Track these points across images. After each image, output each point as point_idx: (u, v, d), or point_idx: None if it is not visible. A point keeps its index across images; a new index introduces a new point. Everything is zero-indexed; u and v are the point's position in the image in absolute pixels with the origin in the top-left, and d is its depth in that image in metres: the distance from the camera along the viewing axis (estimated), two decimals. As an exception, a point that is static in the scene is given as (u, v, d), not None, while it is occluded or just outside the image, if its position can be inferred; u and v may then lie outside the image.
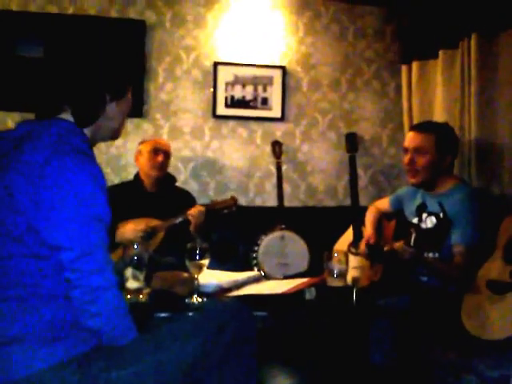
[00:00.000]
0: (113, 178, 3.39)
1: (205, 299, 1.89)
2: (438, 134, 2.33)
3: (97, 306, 1.29)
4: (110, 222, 1.37)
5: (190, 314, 1.74)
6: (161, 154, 2.93)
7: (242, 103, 3.55)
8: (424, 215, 2.37)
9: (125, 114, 1.56)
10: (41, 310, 1.29)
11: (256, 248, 3.16)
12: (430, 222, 2.33)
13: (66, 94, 1.42)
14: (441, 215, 2.24)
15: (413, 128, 2.47)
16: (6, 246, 1.30)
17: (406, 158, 2.37)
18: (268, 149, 3.56)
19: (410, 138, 2.38)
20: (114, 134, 1.58)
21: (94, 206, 1.31)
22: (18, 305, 1.28)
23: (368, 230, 2.69)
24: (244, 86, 3.54)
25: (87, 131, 1.45)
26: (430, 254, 2.30)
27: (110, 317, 1.32)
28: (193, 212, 2.74)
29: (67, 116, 1.41)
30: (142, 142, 3.05)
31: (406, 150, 2.39)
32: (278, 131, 3.62)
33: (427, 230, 2.28)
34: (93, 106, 1.44)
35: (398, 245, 2.16)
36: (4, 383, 1.25)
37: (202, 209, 2.76)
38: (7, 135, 1.39)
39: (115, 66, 1.48)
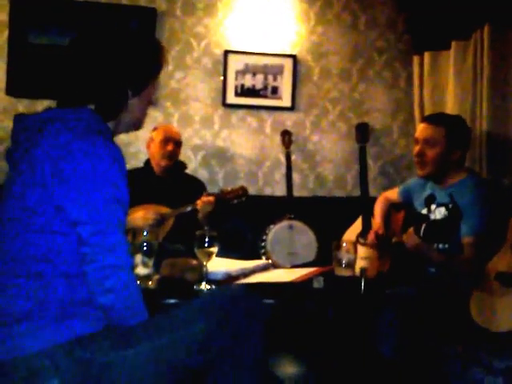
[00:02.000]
0: (122, 166, 3.40)
1: (213, 286, 1.90)
2: (449, 127, 2.31)
3: (110, 283, 1.31)
4: (128, 204, 1.39)
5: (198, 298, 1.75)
6: (171, 143, 2.94)
7: (252, 92, 3.54)
8: (433, 206, 2.36)
9: (147, 106, 1.56)
10: (55, 287, 1.31)
11: (264, 237, 3.17)
12: (438, 213, 2.32)
13: (91, 88, 1.44)
14: (450, 206, 2.24)
15: (425, 119, 2.45)
16: (25, 220, 1.32)
17: (416, 149, 2.36)
18: (278, 138, 3.55)
19: (421, 129, 2.37)
20: (137, 126, 1.59)
21: (116, 187, 1.34)
22: (32, 280, 1.30)
23: (377, 220, 2.69)
24: (254, 74, 3.53)
25: (109, 123, 1.48)
26: (440, 246, 2.29)
27: (121, 295, 1.33)
28: (202, 201, 2.74)
29: (92, 108, 1.44)
30: (154, 129, 3.06)
31: (416, 141, 2.38)
32: (288, 120, 3.61)
33: (437, 220, 2.27)
34: (115, 103, 1.46)
35: (406, 233, 2.16)
36: (17, 358, 1.27)
37: (212, 199, 2.77)
38: (33, 117, 1.42)
39: (137, 62, 1.48)
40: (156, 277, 1.95)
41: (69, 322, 1.30)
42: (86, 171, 1.30)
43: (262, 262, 2.37)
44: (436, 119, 2.37)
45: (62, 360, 1.27)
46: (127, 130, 1.58)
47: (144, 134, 3.19)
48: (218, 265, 2.05)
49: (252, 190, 3.49)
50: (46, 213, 1.31)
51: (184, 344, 1.37)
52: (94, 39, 1.47)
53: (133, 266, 1.40)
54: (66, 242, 1.32)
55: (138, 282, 1.86)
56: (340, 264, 2.02)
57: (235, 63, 3.51)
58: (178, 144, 2.98)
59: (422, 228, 2.14)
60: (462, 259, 2.19)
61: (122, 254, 1.34)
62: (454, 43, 3.09)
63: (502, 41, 2.80)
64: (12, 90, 3.32)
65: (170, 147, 2.93)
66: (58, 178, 1.29)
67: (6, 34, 3.30)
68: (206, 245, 1.91)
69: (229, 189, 2.90)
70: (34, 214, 1.31)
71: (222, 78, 3.52)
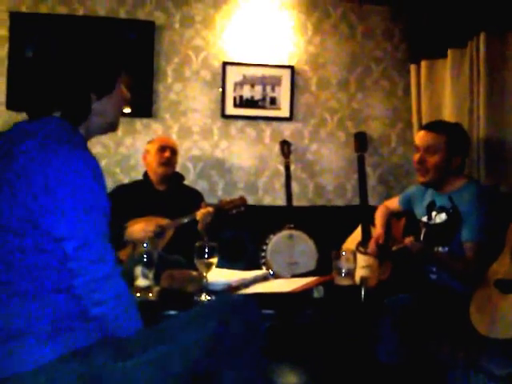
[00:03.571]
0: (122, 178, 3.42)
1: (213, 297, 1.90)
2: (449, 135, 2.32)
3: (100, 295, 1.31)
4: (109, 213, 1.37)
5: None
6: (168, 150, 2.96)
7: (250, 103, 3.56)
8: (433, 213, 2.36)
9: (118, 107, 1.54)
10: (46, 303, 1.30)
11: (264, 247, 3.17)
12: (439, 219, 2.33)
13: (51, 96, 1.43)
14: (450, 210, 2.25)
15: (424, 127, 2.44)
16: (8, 241, 1.31)
17: (417, 157, 2.36)
18: (276, 148, 3.57)
19: (421, 137, 2.36)
20: (110, 128, 1.56)
21: (94, 197, 1.32)
22: (23, 299, 1.29)
23: (377, 229, 2.69)
24: (253, 85, 3.55)
25: (80, 128, 1.45)
26: (440, 248, 2.30)
27: (113, 305, 1.33)
28: (201, 213, 2.75)
29: (59, 115, 1.43)
30: (149, 142, 3.09)
31: (417, 149, 2.37)
32: (287, 131, 3.63)
33: (437, 224, 2.28)
34: (78, 107, 1.44)
35: (407, 240, 2.17)
36: (12, 377, 1.26)
37: (211, 210, 2.77)
38: (3, 135, 1.40)
39: (97, 64, 1.46)
40: (156, 288, 1.96)
41: (63, 336, 1.29)
42: (62, 186, 1.28)
43: (262, 272, 2.37)
44: (436, 127, 2.37)
45: (59, 375, 1.26)
46: (101, 133, 1.55)
47: (143, 146, 3.21)
48: (218, 275, 2.05)
49: (252, 200, 3.50)
50: (28, 231, 1.29)
51: (183, 353, 1.36)
52: (49, 48, 1.45)
53: (122, 274, 1.37)
54: (52, 258, 1.31)
55: (138, 294, 1.88)
56: (340, 273, 2.02)
57: (233, 75, 3.54)
58: (173, 152, 3.00)
59: (422, 233, 2.14)
60: (464, 261, 2.19)
61: (110, 264, 1.34)
62: (450, 51, 3.11)
63: (498, 48, 2.81)
64: (12, 105, 3.34)
65: (166, 154, 2.95)
66: (36, 195, 1.28)
67: (6, 48, 3.33)
68: (206, 256, 1.92)
69: (228, 199, 2.91)
70: (16, 233, 1.30)
71: (220, 89, 3.54)
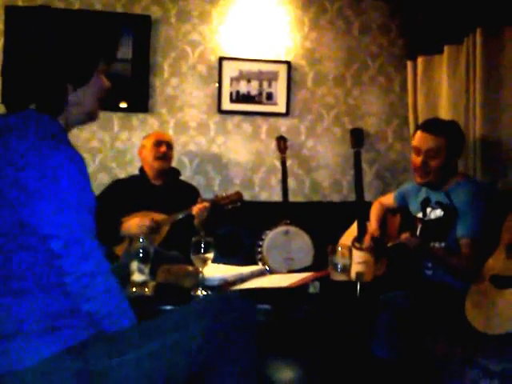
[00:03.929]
0: (118, 173, 3.41)
1: (209, 292, 1.90)
2: (450, 137, 2.30)
3: (90, 291, 1.30)
4: (96, 208, 1.36)
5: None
6: (164, 144, 2.97)
7: (247, 98, 3.56)
8: (428, 210, 2.36)
9: (97, 96, 1.49)
10: (37, 302, 1.28)
11: (261, 243, 3.17)
12: (433, 215, 2.33)
13: (25, 88, 1.40)
14: (446, 205, 2.25)
15: (424, 128, 2.36)
16: None
17: (418, 160, 2.32)
18: (273, 144, 3.57)
19: (421, 140, 2.32)
20: (89, 118, 1.53)
21: (80, 193, 1.30)
22: (12, 298, 1.28)
23: (373, 225, 2.70)
24: (249, 81, 3.55)
25: (59, 119, 1.43)
26: (436, 244, 2.30)
27: (104, 301, 1.32)
28: (197, 208, 2.75)
29: (34, 107, 1.40)
30: (145, 137, 3.09)
31: (417, 151, 2.34)
32: (283, 126, 3.63)
33: (433, 220, 2.29)
34: (53, 99, 1.41)
35: (403, 236, 2.17)
36: (6, 375, 1.24)
37: (207, 204, 2.78)
38: None
39: (72, 55, 1.43)
40: (152, 283, 1.96)
41: (56, 333, 1.28)
42: (46, 183, 1.26)
43: (259, 267, 2.38)
44: (435, 129, 2.32)
45: (53, 373, 1.25)
46: (80, 123, 1.52)
47: (139, 141, 3.20)
48: (214, 271, 2.05)
49: (248, 196, 3.50)
50: (13, 231, 1.27)
51: (178, 349, 1.36)
52: (23, 39, 1.42)
53: (112, 270, 1.36)
54: (38, 255, 1.29)
55: (134, 289, 1.88)
56: (336, 268, 2.03)
57: (230, 70, 3.53)
58: (169, 146, 3.00)
59: (418, 229, 2.15)
60: (460, 256, 2.20)
61: (98, 260, 1.32)
62: (446, 47, 3.11)
63: (494, 44, 2.81)
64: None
65: (162, 148, 2.95)
66: (20, 194, 1.26)
67: (1, 42, 3.31)
68: (202, 251, 1.92)
69: (224, 194, 2.91)
70: (2, 233, 1.28)
71: (217, 84, 3.53)
